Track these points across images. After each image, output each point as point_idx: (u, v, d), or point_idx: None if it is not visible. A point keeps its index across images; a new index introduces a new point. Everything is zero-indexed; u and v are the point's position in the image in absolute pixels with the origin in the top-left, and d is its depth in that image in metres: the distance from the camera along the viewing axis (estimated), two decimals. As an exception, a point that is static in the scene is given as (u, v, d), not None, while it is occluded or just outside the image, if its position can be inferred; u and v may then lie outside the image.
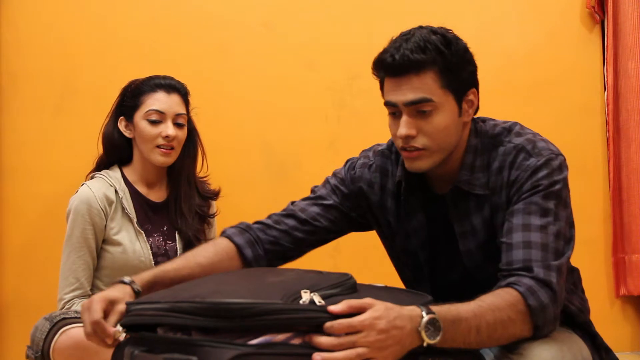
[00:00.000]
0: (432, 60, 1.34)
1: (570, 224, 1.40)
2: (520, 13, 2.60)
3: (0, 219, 2.40)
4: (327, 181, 1.61)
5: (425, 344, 1.11)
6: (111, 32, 2.47)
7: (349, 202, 1.57)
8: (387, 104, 1.40)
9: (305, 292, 1.08)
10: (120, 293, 1.28)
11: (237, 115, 2.50)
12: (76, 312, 1.74)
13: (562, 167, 1.38)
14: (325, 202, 1.56)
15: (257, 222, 1.57)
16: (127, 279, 1.31)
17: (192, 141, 2.00)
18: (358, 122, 2.52)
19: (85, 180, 1.95)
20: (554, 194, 1.34)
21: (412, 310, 1.13)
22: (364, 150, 1.64)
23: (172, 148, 1.91)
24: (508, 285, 1.26)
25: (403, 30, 1.41)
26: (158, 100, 1.90)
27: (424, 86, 1.34)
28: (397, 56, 1.34)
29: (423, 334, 1.11)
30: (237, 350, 0.98)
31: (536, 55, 2.56)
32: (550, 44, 2.59)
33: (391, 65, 1.36)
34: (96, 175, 1.94)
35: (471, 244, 1.43)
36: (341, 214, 1.56)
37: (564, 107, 2.55)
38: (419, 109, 1.35)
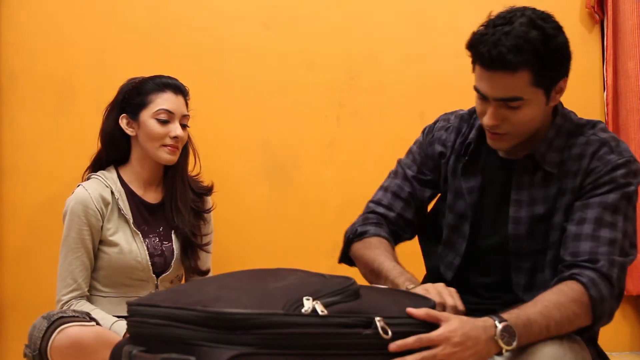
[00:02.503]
0: (527, 61, 1.33)
1: (634, 228, 1.43)
2: (520, 13, 2.59)
3: None
4: (410, 152, 1.69)
5: (504, 351, 1.20)
6: (111, 32, 2.47)
7: (428, 165, 1.63)
8: (477, 90, 1.42)
9: (308, 299, 1.08)
10: None
11: (237, 114, 2.50)
12: (74, 310, 1.74)
13: (638, 172, 1.43)
14: (409, 172, 1.64)
15: (376, 213, 1.63)
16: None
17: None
18: (357, 122, 2.52)
19: (82, 181, 1.96)
20: (628, 196, 1.40)
21: (485, 321, 1.20)
22: (444, 114, 1.68)
23: (177, 147, 1.92)
24: (571, 277, 1.33)
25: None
26: (168, 100, 1.90)
27: (516, 86, 1.35)
28: (494, 52, 1.33)
29: (500, 342, 1.18)
30: (236, 350, 0.98)
31: (536, 55, 2.55)
32: (549, 43, 2.59)
33: (486, 59, 1.35)
34: (92, 176, 1.94)
35: (523, 213, 1.47)
36: (427, 181, 1.64)
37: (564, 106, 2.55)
38: (508, 104, 1.38)
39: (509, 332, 1.19)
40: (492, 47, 1.33)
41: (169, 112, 1.89)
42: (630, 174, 1.41)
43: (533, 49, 1.32)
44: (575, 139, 1.46)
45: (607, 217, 1.38)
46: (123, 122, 1.92)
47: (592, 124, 1.50)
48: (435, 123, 1.66)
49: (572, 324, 1.30)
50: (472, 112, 1.60)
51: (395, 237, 1.62)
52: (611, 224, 1.37)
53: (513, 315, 1.23)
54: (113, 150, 1.97)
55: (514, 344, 1.19)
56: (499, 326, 1.19)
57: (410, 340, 1.10)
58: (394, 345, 1.09)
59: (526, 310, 1.25)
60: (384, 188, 1.66)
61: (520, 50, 1.31)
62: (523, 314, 1.24)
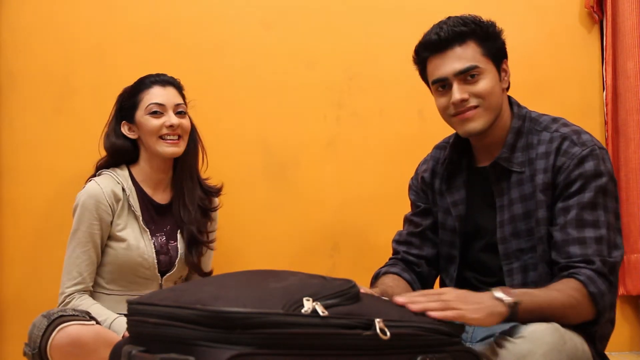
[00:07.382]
0: (473, 31, 1.52)
1: (617, 216, 1.49)
2: (520, 13, 2.60)
3: (-1, 218, 2.40)
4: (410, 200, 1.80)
5: (506, 302, 1.26)
6: (110, 32, 2.47)
7: (422, 197, 1.74)
8: (436, 80, 1.56)
9: (308, 300, 1.08)
10: None
11: (237, 114, 2.50)
12: (74, 309, 1.74)
13: (606, 159, 1.49)
14: (409, 215, 1.76)
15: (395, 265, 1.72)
16: None
17: (192, 137, 2.01)
18: (357, 122, 2.52)
19: (83, 185, 1.96)
20: (602, 189, 1.46)
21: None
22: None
23: (179, 137, 1.94)
24: (569, 275, 1.40)
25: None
26: (155, 94, 1.93)
27: (469, 55, 1.52)
28: (442, 33, 1.52)
29: (499, 293, 1.26)
30: (235, 351, 0.98)
31: (535, 55, 2.56)
32: (549, 43, 2.59)
33: (437, 41, 1.53)
34: (104, 172, 1.95)
35: (505, 215, 1.54)
36: (425, 210, 1.73)
37: (563, 107, 2.55)
38: (468, 75, 1.52)
39: (505, 291, 1.28)
40: (438, 30, 1.53)
41: (158, 104, 1.92)
42: (600, 162, 1.47)
43: (473, 20, 1.54)
44: (539, 135, 1.55)
45: (587, 217, 1.44)
46: (125, 128, 1.96)
47: (554, 120, 1.57)
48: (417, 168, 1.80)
49: (576, 309, 1.35)
50: (446, 139, 1.73)
51: (414, 270, 1.71)
52: (593, 222, 1.43)
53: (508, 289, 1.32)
54: (121, 158, 1.99)
55: (514, 298, 1.26)
56: (496, 288, 1.29)
57: (416, 293, 1.26)
58: (400, 299, 1.22)
59: (524, 288, 1.36)
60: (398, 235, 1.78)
61: (464, 22, 1.53)
62: (520, 289, 1.34)
